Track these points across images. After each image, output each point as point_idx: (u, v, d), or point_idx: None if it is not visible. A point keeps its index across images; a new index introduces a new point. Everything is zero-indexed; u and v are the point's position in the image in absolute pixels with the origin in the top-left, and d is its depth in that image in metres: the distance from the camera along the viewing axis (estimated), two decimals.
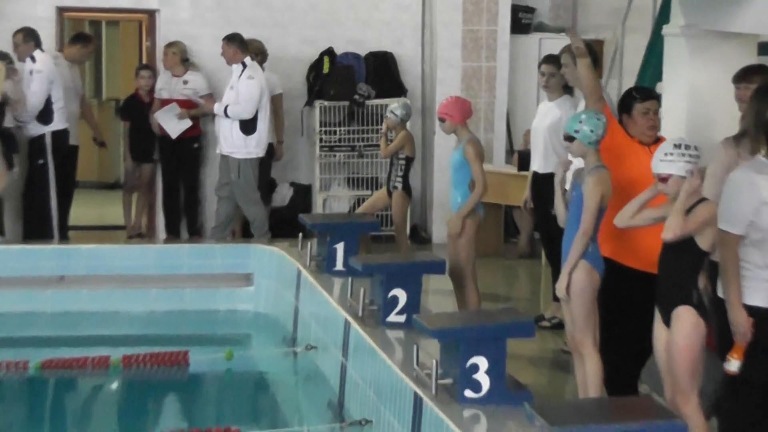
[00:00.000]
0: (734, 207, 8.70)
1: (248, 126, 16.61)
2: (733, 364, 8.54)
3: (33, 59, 16.91)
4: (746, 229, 8.56)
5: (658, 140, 9.83)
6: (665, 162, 8.98)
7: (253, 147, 16.78)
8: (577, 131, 9.72)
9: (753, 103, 9.53)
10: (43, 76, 16.80)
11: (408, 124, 15.90)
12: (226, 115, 16.68)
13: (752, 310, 8.51)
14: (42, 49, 17.08)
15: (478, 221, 12.82)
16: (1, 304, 15.29)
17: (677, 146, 9.08)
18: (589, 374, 8.65)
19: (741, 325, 8.48)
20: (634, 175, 10.07)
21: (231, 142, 16.90)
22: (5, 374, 13.54)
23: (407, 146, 15.08)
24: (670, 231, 7.70)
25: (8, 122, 16.30)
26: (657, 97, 10.00)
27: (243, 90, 16.74)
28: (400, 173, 15.25)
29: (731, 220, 8.68)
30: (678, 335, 7.85)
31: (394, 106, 14.68)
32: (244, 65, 16.79)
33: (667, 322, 8.25)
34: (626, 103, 10.80)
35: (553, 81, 14.14)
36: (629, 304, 9.98)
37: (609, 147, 10.43)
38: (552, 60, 14.29)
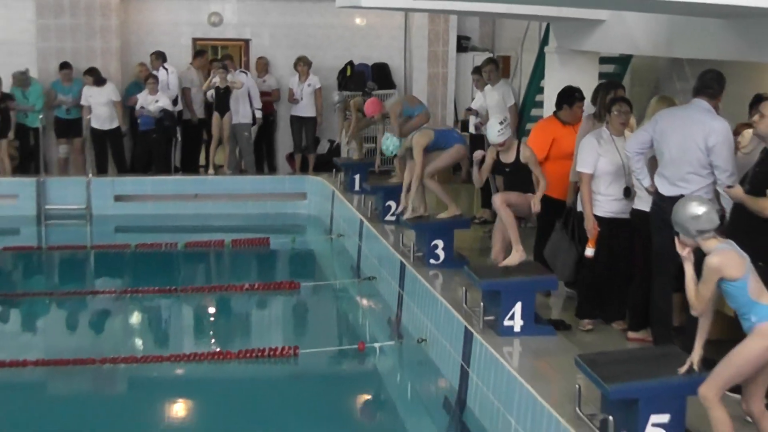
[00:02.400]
0: (585, 156, 10.95)
1: None
2: (589, 251, 10.96)
3: (166, 69, 21.79)
4: (592, 169, 10.83)
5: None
6: (501, 135, 11.85)
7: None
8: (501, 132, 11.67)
9: (601, 92, 11.97)
10: (174, 76, 21.84)
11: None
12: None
13: (597, 218, 10.88)
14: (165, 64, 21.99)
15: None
16: (162, 209, 21.07)
17: (501, 123, 11.91)
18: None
19: (591, 227, 10.87)
20: (565, 148, 12.36)
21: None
22: (165, 250, 18.75)
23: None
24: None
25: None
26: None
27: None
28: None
29: (584, 164, 10.98)
30: None
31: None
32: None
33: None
34: (567, 97, 12.72)
35: (493, 75, 17.41)
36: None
37: (545, 130, 13.01)
38: (490, 62, 17.92)
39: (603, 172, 10.60)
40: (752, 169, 8.80)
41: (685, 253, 7.48)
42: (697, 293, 7.40)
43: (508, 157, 11.93)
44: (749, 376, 7.35)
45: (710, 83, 9.46)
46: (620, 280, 10.99)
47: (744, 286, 7.21)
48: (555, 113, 12.71)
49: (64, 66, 21.72)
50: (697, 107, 9.67)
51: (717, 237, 7.37)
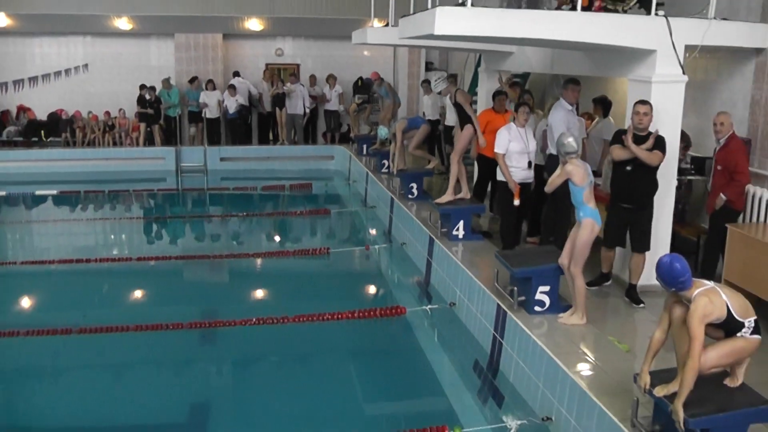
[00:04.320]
0: (500, 140, 10.20)
1: None
2: (516, 202, 10.24)
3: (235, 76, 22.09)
4: (504, 150, 10.16)
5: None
6: (437, 86, 12.31)
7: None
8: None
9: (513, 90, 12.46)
10: (244, 85, 21.91)
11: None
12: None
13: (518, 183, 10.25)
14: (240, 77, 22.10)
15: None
16: (248, 166, 20.83)
17: (437, 78, 12.43)
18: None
19: (513, 186, 10.17)
20: (496, 125, 11.32)
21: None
22: (249, 191, 19.26)
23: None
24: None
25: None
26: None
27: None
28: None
29: (499, 146, 10.19)
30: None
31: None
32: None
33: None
34: (495, 94, 12.17)
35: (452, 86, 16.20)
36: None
37: (484, 115, 12.24)
38: (449, 77, 16.52)
39: (513, 152, 10.20)
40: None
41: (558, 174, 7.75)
42: (551, 182, 7.86)
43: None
44: (587, 255, 7.64)
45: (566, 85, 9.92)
46: (530, 212, 11.11)
47: (581, 192, 7.57)
48: (492, 107, 12.39)
49: (193, 80, 22.00)
50: (561, 104, 10.23)
51: (577, 158, 7.68)
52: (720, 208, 8.68)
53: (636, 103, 8.34)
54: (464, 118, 11.97)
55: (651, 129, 8.32)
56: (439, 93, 12.37)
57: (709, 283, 5.37)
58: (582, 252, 7.67)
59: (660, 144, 8.27)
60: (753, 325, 5.40)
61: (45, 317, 10.24)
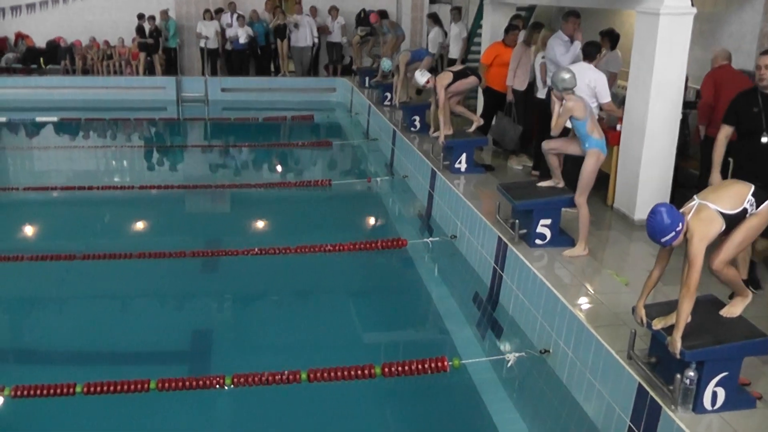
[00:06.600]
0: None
1: None
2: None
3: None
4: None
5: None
6: (422, 78, 11.77)
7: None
8: None
9: (530, 28, 11.80)
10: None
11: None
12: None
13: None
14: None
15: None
16: (249, 97, 20.71)
17: (421, 72, 11.90)
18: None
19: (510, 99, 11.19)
20: (504, 59, 12.03)
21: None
22: (251, 122, 19.16)
23: None
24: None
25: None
26: None
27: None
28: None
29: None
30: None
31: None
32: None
33: None
34: (508, 29, 12.33)
35: (456, 16, 17.24)
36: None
37: (492, 48, 12.53)
38: (454, 9, 17.66)
39: None
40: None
41: (557, 103, 7.74)
42: (555, 124, 7.75)
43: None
44: (592, 184, 7.68)
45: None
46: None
47: (584, 125, 7.58)
48: (501, 40, 12.45)
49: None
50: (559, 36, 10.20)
51: (574, 93, 7.67)
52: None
53: (760, 54, 7.08)
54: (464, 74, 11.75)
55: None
56: (423, 86, 12.05)
57: (694, 202, 5.26)
58: (587, 181, 7.70)
59: None
60: (753, 200, 5.29)
61: (48, 243, 10.44)
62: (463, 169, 11.15)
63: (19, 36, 22.44)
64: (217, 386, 6.35)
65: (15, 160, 15.90)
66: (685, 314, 5.04)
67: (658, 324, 5.30)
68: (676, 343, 5.03)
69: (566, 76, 7.63)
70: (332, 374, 6.40)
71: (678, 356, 5.03)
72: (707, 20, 10.37)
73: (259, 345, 7.59)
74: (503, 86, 12.18)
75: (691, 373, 4.99)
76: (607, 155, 8.11)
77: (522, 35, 12.25)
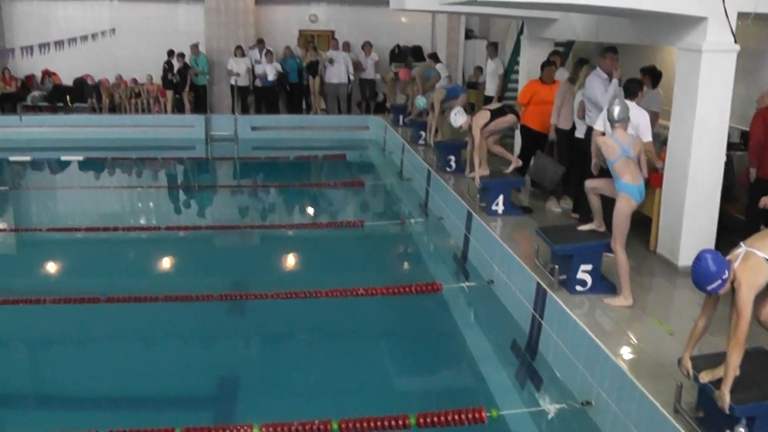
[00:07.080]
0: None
1: None
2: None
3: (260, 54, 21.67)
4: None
5: None
6: (455, 120, 11.77)
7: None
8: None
9: (575, 65, 11.83)
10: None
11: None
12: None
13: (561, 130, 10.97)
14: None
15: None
16: (280, 135, 20.88)
17: (455, 113, 11.81)
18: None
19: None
20: (542, 97, 12.09)
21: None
22: (281, 160, 19.23)
23: None
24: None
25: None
26: None
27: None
28: None
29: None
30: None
31: None
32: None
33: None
34: (544, 64, 12.40)
35: (492, 52, 17.28)
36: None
37: (529, 86, 12.57)
38: (490, 45, 17.78)
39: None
40: None
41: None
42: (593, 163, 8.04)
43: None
44: (627, 229, 7.48)
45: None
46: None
47: (611, 164, 7.48)
48: (539, 77, 12.43)
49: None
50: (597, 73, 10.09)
51: (623, 129, 7.56)
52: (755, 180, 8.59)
53: None
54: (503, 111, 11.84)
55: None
56: (459, 127, 12.05)
57: (741, 249, 5.15)
58: (619, 226, 7.52)
59: None
60: None
61: (72, 285, 10.44)
62: (500, 211, 11.11)
63: (46, 73, 22.75)
64: None
65: (39, 200, 15.96)
66: (733, 367, 4.93)
67: (705, 377, 5.22)
68: (725, 397, 4.94)
69: (617, 107, 7.56)
70: (365, 425, 6.28)
71: (727, 411, 4.94)
72: (749, 56, 10.21)
73: (288, 392, 7.48)
74: (540, 125, 12.13)
75: (741, 429, 4.90)
76: (650, 198, 8.07)
77: (559, 72, 12.24)
